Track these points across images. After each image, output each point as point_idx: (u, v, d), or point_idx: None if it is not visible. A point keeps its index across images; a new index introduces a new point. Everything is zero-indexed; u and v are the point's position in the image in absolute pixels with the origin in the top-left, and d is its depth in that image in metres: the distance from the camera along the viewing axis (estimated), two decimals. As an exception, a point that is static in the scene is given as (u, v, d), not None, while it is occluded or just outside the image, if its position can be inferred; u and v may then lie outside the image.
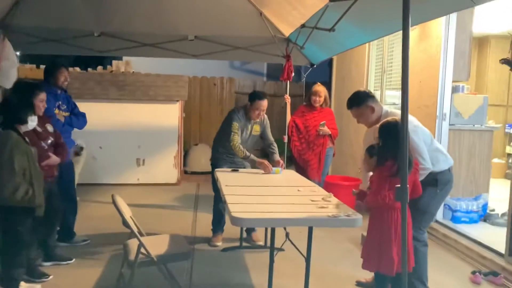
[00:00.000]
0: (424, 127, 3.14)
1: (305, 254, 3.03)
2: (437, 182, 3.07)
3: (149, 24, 4.78)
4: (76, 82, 6.67)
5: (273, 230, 2.96)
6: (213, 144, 4.55)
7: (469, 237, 4.36)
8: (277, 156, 4.45)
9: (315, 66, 5.45)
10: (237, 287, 3.49)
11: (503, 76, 7.36)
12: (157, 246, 2.93)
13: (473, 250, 4.13)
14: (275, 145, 4.56)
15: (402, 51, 2.15)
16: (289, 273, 3.60)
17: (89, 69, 7.42)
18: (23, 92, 3.36)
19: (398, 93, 5.87)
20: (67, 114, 4.17)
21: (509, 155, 7.22)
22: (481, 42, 7.37)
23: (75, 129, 4.29)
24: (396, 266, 2.64)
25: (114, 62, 7.52)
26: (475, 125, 5.09)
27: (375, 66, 6.58)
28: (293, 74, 4.93)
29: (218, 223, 4.43)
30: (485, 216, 4.88)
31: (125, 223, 2.89)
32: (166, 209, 5.84)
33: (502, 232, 3.96)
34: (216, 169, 4.24)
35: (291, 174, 4.34)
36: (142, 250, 2.78)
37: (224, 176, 3.89)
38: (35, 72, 7.03)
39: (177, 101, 7.35)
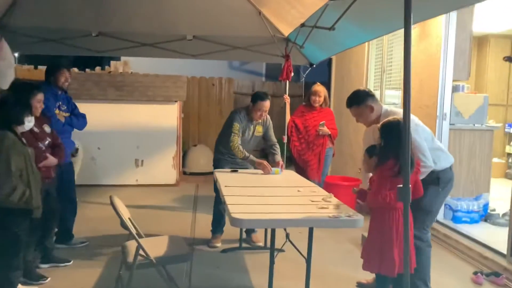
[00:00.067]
0: (425, 126, 3.13)
1: (305, 255, 3.01)
2: (439, 180, 3.06)
3: (148, 24, 4.76)
4: (74, 83, 6.56)
5: (273, 231, 2.94)
6: (215, 145, 4.52)
7: (470, 237, 4.34)
8: (278, 157, 4.41)
9: (314, 66, 5.42)
10: (237, 288, 3.47)
11: (502, 75, 7.37)
12: (156, 247, 2.91)
13: (474, 250, 4.11)
14: (278, 146, 4.51)
15: (404, 50, 2.12)
16: (290, 274, 3.57)
17: (87, 70, 7.39)
18: (20, 92, 3.31)
19: (398, 93, 5.86)
20: (67, 114, 4.14)
21: (509, 154, 7.21)
22: (481, 42, 7.36)
23: (74, 130, 4.25)
24: (397, 267, 2.62)
25: (112, 62, 7.50)
26: (476, 125, 5.06)
27: (374, 65, 6.56)
28: (292, 74, 4.89)
29: (218, 224, 4.40)
30: (486, 216, 4.86)
31: (123, 224, 2.87)
32: (165, 210, 5.81)
33: (504, 232, 3.95)
34: (216, 170, 4.21)
35: (291, 175, 4.32)
36: (141, 252, 2.75)
37: (223, 176, 3.86)
38: (33, 73, 7.01)
39: (176, 101, 7.32)
